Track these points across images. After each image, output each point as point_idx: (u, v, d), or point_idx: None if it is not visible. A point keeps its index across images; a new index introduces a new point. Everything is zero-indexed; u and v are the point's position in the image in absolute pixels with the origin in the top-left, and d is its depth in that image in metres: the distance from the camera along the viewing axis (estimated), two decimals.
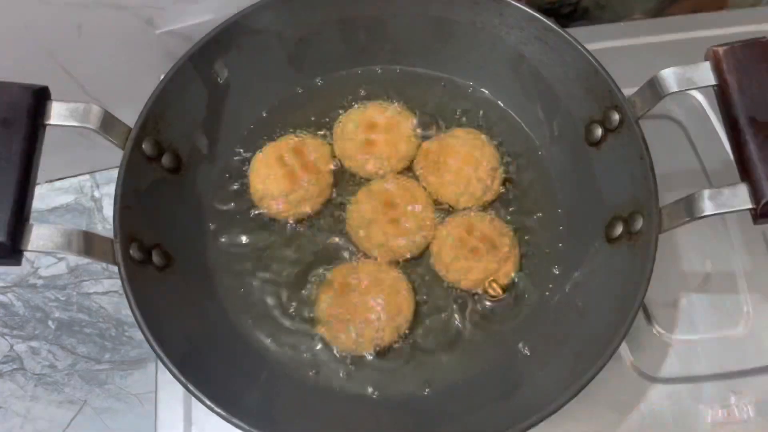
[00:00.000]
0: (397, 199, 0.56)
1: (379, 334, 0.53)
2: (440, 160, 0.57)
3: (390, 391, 0.53)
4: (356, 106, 0.61)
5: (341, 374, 0.53)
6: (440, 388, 0.53)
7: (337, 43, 0.61)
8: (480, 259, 0.54)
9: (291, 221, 0.58)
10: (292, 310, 0.56)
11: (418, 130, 0.60)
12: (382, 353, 0.54)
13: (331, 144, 0.60)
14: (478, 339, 0.55)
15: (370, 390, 0.53)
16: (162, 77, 0.53)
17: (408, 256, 0.56)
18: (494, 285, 0.54)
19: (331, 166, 0.59)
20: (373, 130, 0.58)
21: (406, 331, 0.54)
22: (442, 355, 0.54)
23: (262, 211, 0.58)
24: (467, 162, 0.56)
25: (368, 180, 0.59)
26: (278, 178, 0.56)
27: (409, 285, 0.55)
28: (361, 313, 0.53)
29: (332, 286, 0.54)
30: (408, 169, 0.60)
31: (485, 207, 0.58)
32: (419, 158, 0.59)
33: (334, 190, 0.59)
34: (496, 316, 0.55)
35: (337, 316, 0.53)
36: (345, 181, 0.60)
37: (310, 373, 0.53)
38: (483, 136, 0.59)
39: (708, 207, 0.43)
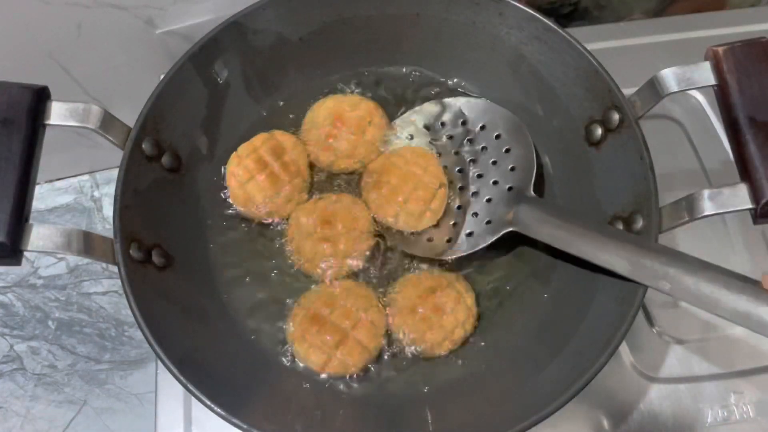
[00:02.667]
0: (337, 217, 0.55)
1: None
2: (382, 179, 0.56)
3: (391, 391, 0.53)
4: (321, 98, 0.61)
5: (345, 376, 0.53)
6: (439, 387, 0.53)
7: (338, 43, 0.61)
8: (432, 326, 0.53)
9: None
10: (290, 313, 0.55)
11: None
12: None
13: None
14: (477, 340, 0.55)
15: (374, 391, 0.53)
16: (162, 77, 0.53)
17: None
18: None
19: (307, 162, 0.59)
20: (338, 126, 0.58)
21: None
22: (437, 358, 0.54)
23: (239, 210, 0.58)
24: (406, 180, 0.56)
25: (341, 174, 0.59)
26: (258, 182, 0.56)
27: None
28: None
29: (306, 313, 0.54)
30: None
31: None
32: (364, 175, 0.58)
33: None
34: (493, 321, 0.55)
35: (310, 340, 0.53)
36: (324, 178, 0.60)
37: (313, 374, 0.53)
38: (431, 155, 0.58)
39: (708, 207, 0.43)
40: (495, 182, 0.56)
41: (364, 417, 0.52)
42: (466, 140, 0.59)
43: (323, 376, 0.53)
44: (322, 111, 0.60)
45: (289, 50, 0.60)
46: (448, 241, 0.55)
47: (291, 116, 0.62)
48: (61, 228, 0.42)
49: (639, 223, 0.49)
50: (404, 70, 0.64)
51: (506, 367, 0.53)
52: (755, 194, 0.42)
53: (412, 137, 0.60)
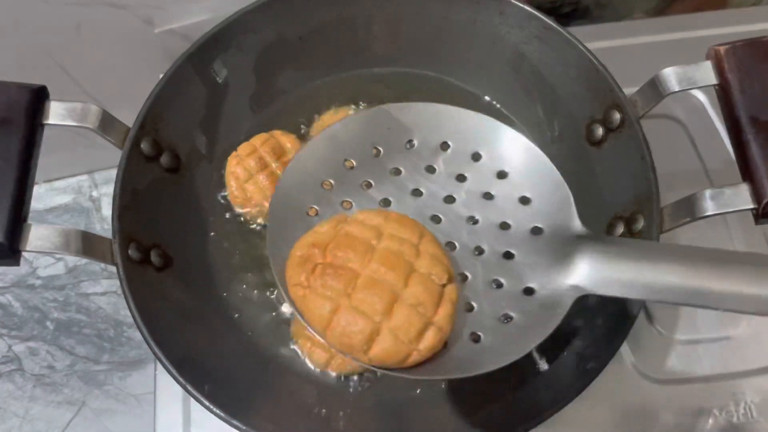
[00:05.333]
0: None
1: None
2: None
3: (394, 390, 0.53)
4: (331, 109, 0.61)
5: (347, 375, 0.53)
6: (440, 387, 0.53)
7: (338, 43, 0.61)
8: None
9: None
10: (292, 310, 0.55)
11: None
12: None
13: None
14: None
15: (376, 390, 0.53)
16: (161, 76, 0.53)
17: None
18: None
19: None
20: None
21: None
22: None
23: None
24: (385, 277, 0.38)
25: None
26: (257, 182, 0.56)
27: None
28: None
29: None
30: None
31: None
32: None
33: None
34: None
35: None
36: None
37: (315, 374, 0.53)
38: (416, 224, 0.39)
39: (709, 207, 0.43)
40: (504, 225, 0.39)
41: (367, 417, 0.52)
42: (423, 168, 0.41)
43: (325, 375, 0.53)
44: (333, 121, 0.59)
45: (289, 49, 0.60)
46: (474, 338, 0.37)
47: (291, 116, 0.62)
48: (60, 228, 0.42)
49: (640, 224, 0.49)
50: (404, 69, 0.63)
51: (506, 368, 0.53)
52: (757, 194, 0.42)
53: (329, 184, 0.41)
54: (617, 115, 0.51)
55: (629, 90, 0.50)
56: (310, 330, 0.36)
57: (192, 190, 0.57)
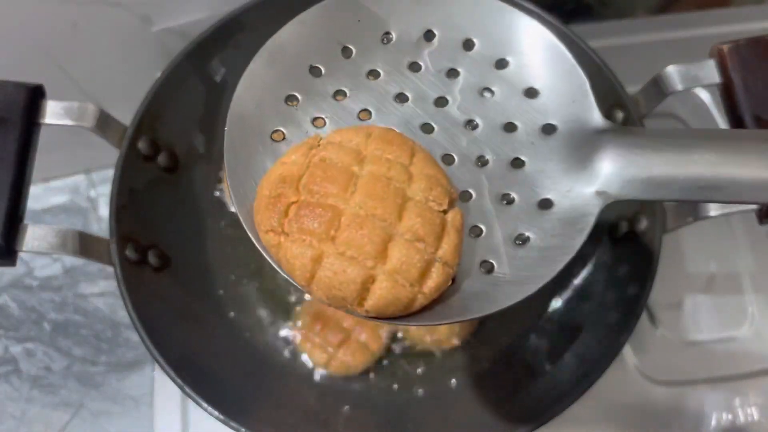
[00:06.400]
0: None
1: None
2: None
3: (393, 391, 0.53)
4: None
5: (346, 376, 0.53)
6: (440, 389, 0.53)
7: None
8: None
9: None
10: (292, 311, 0.55)
11: None
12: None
13: None
14: (477, 342, 0.54)
15: (375, 391, 0.53)
16: (158, 75, 0.53)
17: None
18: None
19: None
20: None
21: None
22: (441, 356, 0.54)
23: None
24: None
25: None
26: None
27: None
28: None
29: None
30: None
31: None
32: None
33: None
34: (496, 322, 0.55)
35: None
36: None
37: (314, 375, 0.53)
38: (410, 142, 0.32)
39: (713, 207, 0.43)
40: (509, 126, 0.32)
41: (367, 417, 0.52)
42: (405, 66, 0.33)
43: (324, 376, 0.53)
44: None
45: None
46: (485, 268, 0.31)
47: None
48: (57, 228, 0.42)
49: (643, 224, 0.48)
50: None
51: (507, 369, 0.53)
52: None
53: (293, 98, 0.33)
54: (620, 115, 0.51)
55: (632, 89, 0.50)
56: (294, 283, 0.30)
57: (190, 189, 0.57)
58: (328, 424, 0.51)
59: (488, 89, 0.33)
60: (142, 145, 0.50)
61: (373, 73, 0.33)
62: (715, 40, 0.45)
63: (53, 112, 0.45)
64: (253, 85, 0.34)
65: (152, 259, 0.50)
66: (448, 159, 0.32)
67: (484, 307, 0.29)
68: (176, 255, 0.53)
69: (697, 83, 0.46)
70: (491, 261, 0.31)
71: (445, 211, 0.29)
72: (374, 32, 0.33)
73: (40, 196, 0.70)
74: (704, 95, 0.66)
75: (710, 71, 0.45)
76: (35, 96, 0.44)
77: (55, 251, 0.42)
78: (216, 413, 0.44)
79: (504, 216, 0.31)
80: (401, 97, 0.33)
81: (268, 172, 0.31)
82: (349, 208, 0.28)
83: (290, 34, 0.35)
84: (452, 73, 0.33)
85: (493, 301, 0.29)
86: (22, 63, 0.60)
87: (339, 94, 0.33)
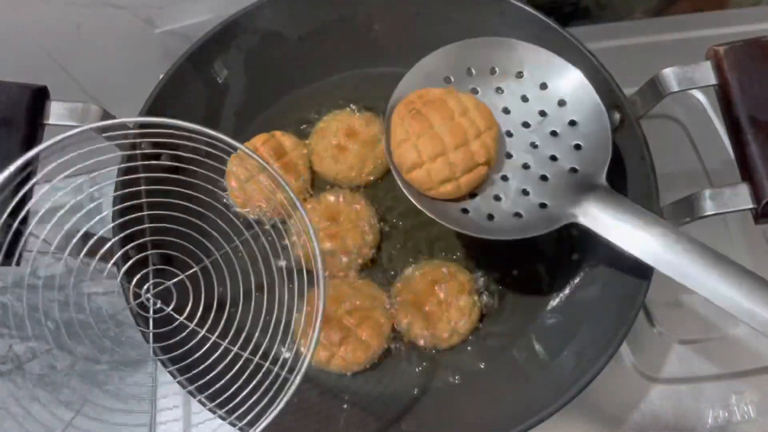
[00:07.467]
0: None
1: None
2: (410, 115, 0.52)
3: (394, 389, 0.53)
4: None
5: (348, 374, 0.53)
6: (440, 387, 0.53)
7: (338, 43, 0.61)
8: (439, 320, 0.53)
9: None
10: (293, 310, 0.55)
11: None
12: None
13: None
14: (477, 340, 0.55)
15: (376, 389, 0.53)
16: (161, 77, 0.53)
17: None
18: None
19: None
20: (349, 139, 0.58)
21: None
22: (441, 354, 0.54)
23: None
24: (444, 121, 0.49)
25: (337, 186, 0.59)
26: (258, 182, 0.56)
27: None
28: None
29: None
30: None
31: None
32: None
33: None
34: (494, 319, 0.55)
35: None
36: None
37: (317, 372, 0.53)
38: (472, 97, 0.50)
39: (709, 207, 0.43)
40: (553, 158, 0.48)
41: (367, 415, 0.52)
42: (519, 98, 0.50)
43: (326, 373, 0.53)
44: (334, 123, 0.59)
45: (289, 49, 0.60)
46: (489, 218, 0.47)
47: (291, 116, 0.61)
48: (60, 229, 0.42)
49: None
50: (405, 69, 0.63)
51: (506, 368, 0.53)
52: (756, 194, 0.42)
53: (449, 79, 0.51)
54: (617, 115, 0.51)
55: (629, 90, 0.50)
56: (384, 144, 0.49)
57: (192, 190, 0.57)
58: (329, 421, 0.51)
59: (556, 133, 0.49)
60: (145, 145, 0.51)
61: (499, 90, 0.50)
62: (712, 42, 0.46)
63: (57, 113, 0.45)
64: (420, 72, 0.51)
65: (154, 258, 0.50)
66: (509, 155, 0.49)
67: (479, 232, 0.46)
68: (177, 255, 0.53)
69: (693, 85, 0.46)
70: (494, 216, 0.47)
71: (479, 165, 0.46)
72: (485, 65, 0.51)
73: (43, 196, 0.70)
74: (701, 96, 0.66)
75: (706, 73, 0.46)
76: (39, 97, 0.45)
77: (58, 251, 0.42)
78: (218, 411, 0.45)
79: (516, 200, 0.47)
80: (506, 110, 0.50)
81: (423, 88, 0.49)
82: (437, 129, 0.47)
83: (434, 57, 0.51)
84: (542, 113, 0.49)
85: (486, 233, 0.46)
86: (27, 64, 0.60)
87: (473, 90, 0.50)
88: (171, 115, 0.53)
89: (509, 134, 0.49)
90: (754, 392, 0.56)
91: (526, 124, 0.49)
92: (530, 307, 0.55)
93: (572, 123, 0.48)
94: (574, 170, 0.47)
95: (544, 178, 0.48)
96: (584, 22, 0.75)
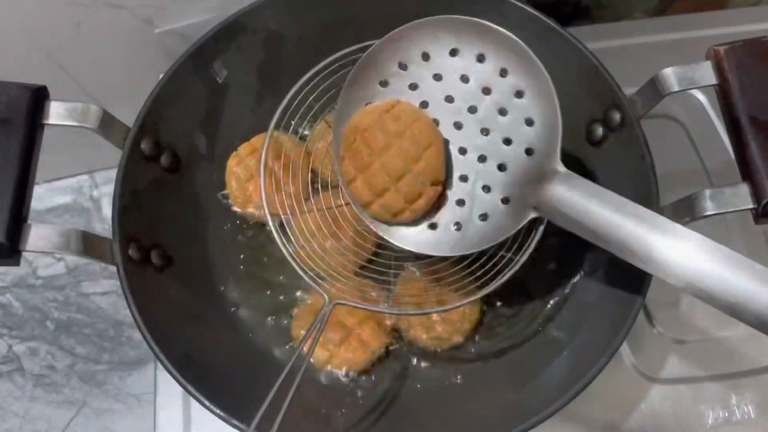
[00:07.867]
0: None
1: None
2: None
3: (394, 390, 0.53)
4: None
5: (348, 374, 0.53)
6: (440, 387, 0.53)
7: (338, 43, 0.61)
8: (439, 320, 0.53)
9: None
10: (293, 311, 0.55)
11: None
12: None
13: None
14: (477, 340, 0.55)
15: (377, 389, 0.53)
16: (161, 77, 0.53)
17: None
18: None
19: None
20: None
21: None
22: (442, 354, 0.54)
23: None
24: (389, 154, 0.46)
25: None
26: (258, 182, 0.55)
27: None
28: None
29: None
30: None
31: None
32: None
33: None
34: (495, 319, 0.55)
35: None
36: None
37: (315, 373, 0.53)
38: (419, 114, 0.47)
39: (709, 207, 0.43)
40: (507, 141, 0.45)
41: (367, 415, 0.52)
42: (459, 78, 0.46)
43: (325, 373, 0.53)
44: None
45: (289, 49, 0.60)
46: (457, 227, 0.46)
47: (291, 117, 0.61)
48: (60, 228, 0.42)
49: None
50: None
51: (507, 367, 0.53)
52: (756, 194, 0.42)
53: (385, 82, 0.47)
54: (617, 115, 0.51)
55: (629, 90, 0.50)
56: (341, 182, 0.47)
57: (192, 190, 0.57)
58: (329, 421, 0.51)
59: (504, 110, 0.45)
60: (144, 145, 0.51)
61: (437, 77, 0.46)
62: (712, 41, 0.46)
63: (56, 113, 0.45)
64: (368, 62, 0.48)
65: (155, 258, 0.50)
66: (462, 150, 0.46)
67: (452, 250, 0.45)
68: (178, 255, 0.53)
69: (693, 85, 0.46)
70: (461, 224, 0.46)
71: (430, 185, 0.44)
72: (416, 54, 0.47)
73: (43, 196, 0.71)
74: (701, 96, 0.66)
75: (707, 73, 0.46)
76: (39, 97, 0.45)
77: (58, 251, 0.42)
78: (218, 411, 0.45)
79: (479, 200, 0.45)
80: (449, 99, 0.46)
81: (360, 111, 0.47)
82: (378, 162, 0.44)
83: (385, 42, 0.47)
84: (486, 91, 0.45)
85: (455, 248, 0.45)
86: (26, 64, 0.61)
87: (411, 86, 0.47)
88: (171, 115, 0.54)
89: (458, 126, 0.46)
90: (754, 392, 0.56)
91: (472, 109, 0.45)
92: (530, 307, 0.55)
93: (519, 94, 0.44)
94: (530, 152, 0.44)
95: (501, 167, 0.45)
96: (584, 22, 0.75)
